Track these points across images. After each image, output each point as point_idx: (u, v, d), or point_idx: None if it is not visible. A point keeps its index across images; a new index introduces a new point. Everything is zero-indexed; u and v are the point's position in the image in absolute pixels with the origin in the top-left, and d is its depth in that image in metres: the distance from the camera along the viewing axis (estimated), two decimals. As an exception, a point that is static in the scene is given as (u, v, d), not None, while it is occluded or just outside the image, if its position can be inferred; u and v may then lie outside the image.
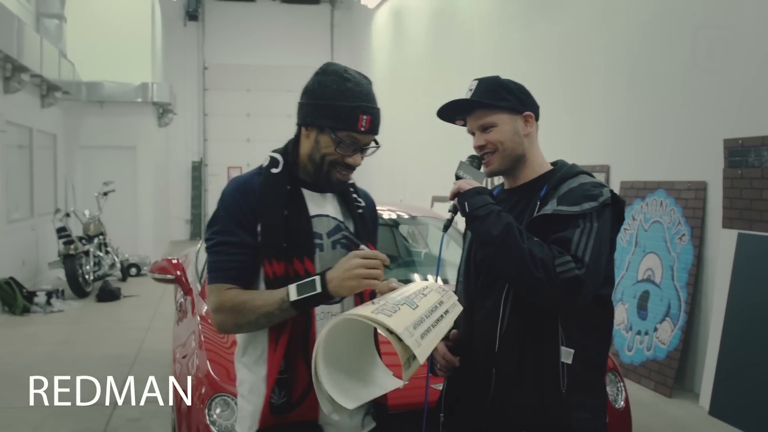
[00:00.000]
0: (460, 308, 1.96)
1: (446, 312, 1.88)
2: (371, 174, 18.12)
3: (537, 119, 2.24)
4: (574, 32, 8.22)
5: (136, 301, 10.50)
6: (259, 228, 2.02)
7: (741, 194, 5.52)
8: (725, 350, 5.44)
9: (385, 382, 1.74)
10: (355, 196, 2.20)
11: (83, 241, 11.15)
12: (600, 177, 7.41)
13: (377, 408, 2.16)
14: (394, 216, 5.78)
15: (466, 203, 2.06)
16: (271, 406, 1.95)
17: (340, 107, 1.99)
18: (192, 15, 19.87)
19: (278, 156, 2.11)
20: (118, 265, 12.03)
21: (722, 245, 5.67)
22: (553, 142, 8.11)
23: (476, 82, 2.21)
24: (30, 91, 11.03)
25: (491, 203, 2.04)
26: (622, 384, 3.67)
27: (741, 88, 5.63)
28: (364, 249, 1.95)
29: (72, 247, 10.39)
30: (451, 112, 2.25)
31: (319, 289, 1.85)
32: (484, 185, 2.15)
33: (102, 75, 13.80)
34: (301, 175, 2.11)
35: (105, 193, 12.09)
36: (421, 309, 1.77)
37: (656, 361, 6.15)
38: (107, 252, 11.87)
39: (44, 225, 11.64)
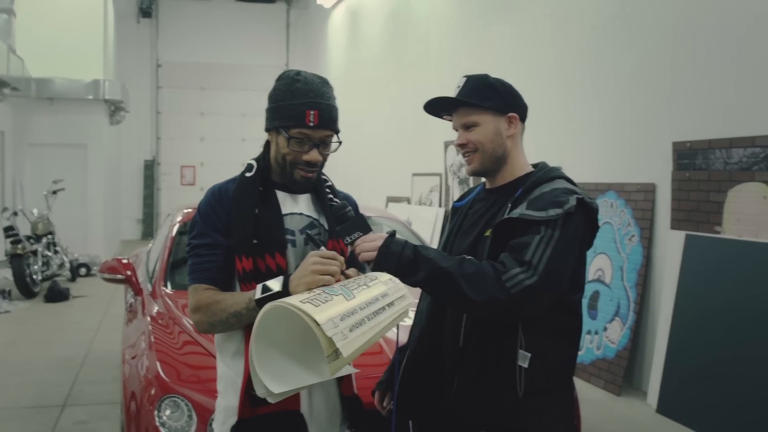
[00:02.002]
0: (409, 301, 1.91)
1: (390, 304, 1.83)
2: (328, 173, 18.09)
3: (523, 120, 2.25)
4: (528, 35, 8.30)
5: (85, 301, 10.33)
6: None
7: (689, 196, 5.64)
8: (672, 349, 5.55)
9: (321, 372, 1.71)
10: (331, 195, 2.24)
11: (31, 241, 10.91)
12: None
13: (350, 402, 2.22)
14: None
15: (385, 271, 1.97)
16: (252, 398, 1.95)
17: (289, 106, 2.07)
18: (146, 12, 19.61)
19: (253, 161, 2.21)
20: (68, 265, 11.81)
21: (670, 246, 5.78)
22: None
23: (465, 79, 2.21)
24: (-24, 87, 10.78)
25: (401, 252, 1.96)
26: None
27: (689, 91, 5.75)
28: (323, 249, 1.97)
29: (19, 246, 10.16)
30: (437, 107, 2.25)
31: (279, 288, 1.87)
32: (366, 223, 2.07)
33: (52, 71, 13.51)
34: (275, 177, 2.19)
35: (54, 192, 11.86)
36: (357, 300, 1.75)
37: (606, 360, 6.25)
38: (56, 251, 11.65)
39: (-9, 224, 11.37)
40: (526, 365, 2.02)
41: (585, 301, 6.63)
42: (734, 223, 5.24)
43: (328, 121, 2.09)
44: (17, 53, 12.23)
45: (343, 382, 2.18)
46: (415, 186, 11.50)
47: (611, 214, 6.49)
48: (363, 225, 2.05)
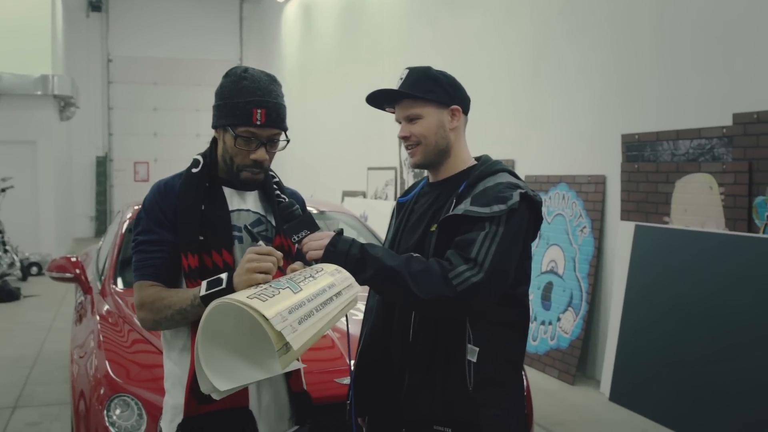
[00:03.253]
0: (356, 289, 1.91)
1: (337, 294, 1.83)
2: (284, 168, 17.95)
3: (466, 113, 2.24)
4: (480, 28, 8.35)
5: (37, 301, 10.14)
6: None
7: (638, 187, 5.73)
8: (624, 338, 5.64)
9: (271, 367, 1.71)
10: (278, 192, 2.22)
11: (-21, 240, 10.69)
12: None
13: (299, 397, 2.21)
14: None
15: (332, 263, 1.97)
16: (199, 396, 1.93)
17: (236, 104, 2.05)
18: (95, 6, 19.27)
19: (199, 157, 2.18)
20: (18, 264, 11.57)
21: (620, 237, 5.87)
22: (461, 136, 8.25)
23: (407, 71, 2.19)
24: None
25: (347, 251, 1.96)
26: (523, 372, 3.74)
27: (637, 84, 5.84)
28: (261, 245, 1.94)
29: (-33, 246, 9.95)
30: (380, 99, 2.24)
31: (224, 285, 1.86)
32: (314, 221, 2.06)
33: (-1, 66, 13.22)
34: (221, 174, 2.16)
35: (3, 190, 11.62)
36: (304, 293, 1.75)
37: (559, 350, 6.33)
38: (6, 251, 11.40)
39: (-63, 223, 11.11)
40: (474, 359, 2.04)
41: (538, 292, 6.71)
42: (682, 214, 5.34)
43: (276, 119, 2.07)
44: (-38, 48, 11.95)
45: (292, 377, 2.17)
46: (371, 180, 11.50)
47: (563, 206, 6.57)
48: (310, 223, 2.05)
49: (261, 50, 20.37)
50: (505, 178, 2.11)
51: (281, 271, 1.93)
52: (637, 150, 5.75)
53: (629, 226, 5.74)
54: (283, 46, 18.01)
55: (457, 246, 1.99)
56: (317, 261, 1.98)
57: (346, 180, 12.70)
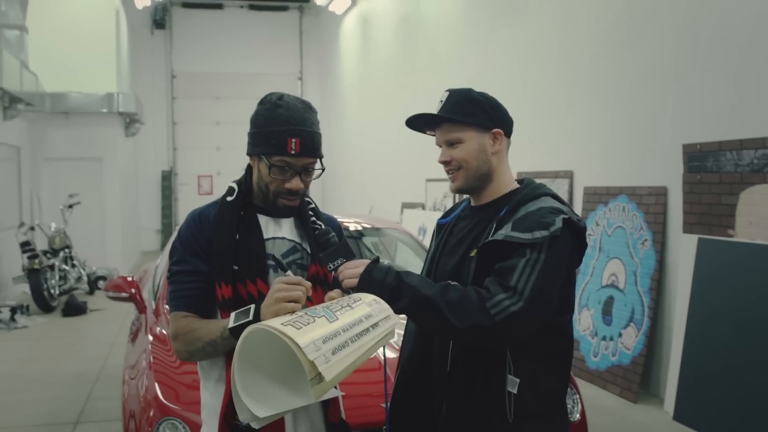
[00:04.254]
0: (394, 321, 1.86)
1: (374, 325, 1.78)
2: (342, 182, 18.08)
3: (509, 135, 2.17)
4: (536, 38, 8.23)
5: (102, 314, 10.36)
6: None
7: (700, 199, 5.54)
8: (688, 355, 5.45)
9: (306, 395, 1.66)
10: (314, 218, 2.19)
11: (48, 255, 10.99)
12: (564, 183, 7.42)
13: (337, 428, 2.16)
14: (359, 228, 5.82)
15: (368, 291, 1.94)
16: (235, 429, 1.92)
17: (270, 133, 2.03)
18: (159, 23, 19.72)
19: (234, 185, 2.16)
20: (85, 278, 11.87)
21: (683, 250, 5.68)
22: (518, 148, 8.12)
23: (447, 93, 2.14)
24: (-9, 104, 10.87)
25: (383, 279, 1.92)
26: (578, 396, 3.65)
27: (699, 93, 5.66)
28: (289, 274, 1.92)
29: (36, 261, 10.23)
30: (420, 122, 2.20)
31: (251, 317, 1.83)
32: (350, 249, 2.03)
33: (66, 86, 13.61)
34: (257, 201, 2.14)
35: (70, 206, 11.93)
36: (340, 322, 1.71)
37: (621, 367, 6.16)
38: (73, 265, 11.71)
39: (8, 239, 11.44)
40: (515, 391, 1.97)
41: (599, 307, 6.55)
42: (747, 226, 5.14)
43: (310, 148, 2.04)
44: (30, 69, 12.32)
45: (330, 407, 2.13)
46: (429, 191, 11.44)
47: (623, 218, 6.41)
48: (346, 251, 2.02)
49: (320, 63, 20.54)
50: (547, 202, 2.04)
51: (310, 301, 1.89)
52: (699, 160, 5.56)
53: (692, 239, 5.56)
54: (342, 59, 18.11)
55: (496, 273, 1.93)
56: (353, 289, 1.95)
57: (405, 192, 12.67)
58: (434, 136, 2.20)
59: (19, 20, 12.25)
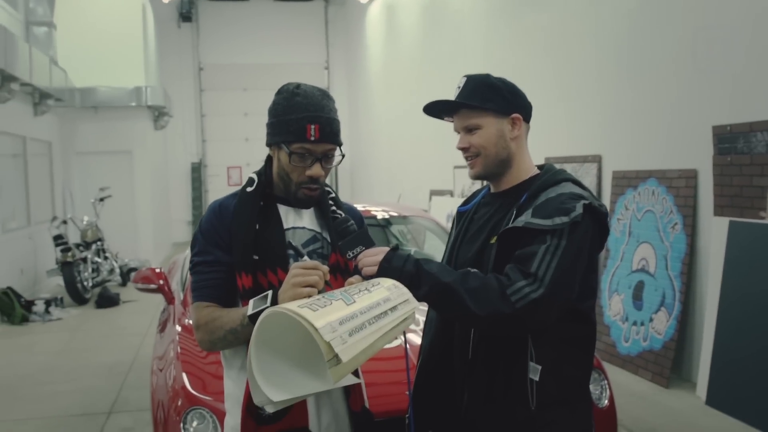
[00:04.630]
0: (414, 305, 1.85)
1: (393, 309, 1.77)
2: (371, 171, 18.09)
3: (528, 120, 2.15)
4: (562, 22, 8.14)
5: (135, 306, 10.49)
6: None
7: (731, 181, 5.45)
8: (720, 339, 5.38)
9: (324, 379, 1.66)
10: (334, 208, 2.20)
11: (81, 248, 11.13)
12: (592, 167, 7.34)
13: (362, 418, 2.16)
14: (386, 216, 5.82)
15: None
16: (257, 416, 1.93)
17: (289, 121, 2.03)
18: (186, 16, 19.82)
19: (254, 176, 2.17)
20: (118, 270, 12.02)
21: (714, 233, 5.60)
22: (545, 133, 8.08)
23: (465, 79, 2.12)
24: (22, 100, 11.01)
25: (404, 263, 1.92)
26: (606, 382, 3.61)
27: (729, 74, 5.56)
28: (306, 260, 1.93)
29: (69, 254, 10.37)
30: (438, 109, 2.18)
31: (269, 303, 1.84)
32: (369, 237, 2.03)
33: (95, 80, 13.75)
34: (277, 191, 2.15)
35: (101, 199, 12.08)
36: (357, 305, 1.70)
37: (653, 352, 6.09)
38: (106, 258, 11.86)
39: (42, 233, 11.64)
40: (537, 378, 1.95)
41: (629, 291, 6.49)
42: (779, 208, 5.05)
43: (329, 134, 2.04)
44: (59, 65, 12.47)
45: (351, 395, 2.13)
46: (457, 178, 11.40)
47: (653, 201, 6.33)
48: (365, 239, 2.02)
49: (346, 52, 20.53)
50: (568, 188, 2.00)
51: (329, 286, 1.89)
52: (730, 142, 5.47)
53: (723, 222, 5.47)
54: (368, 47, 18.08)
55: (516, 260, 1.91)
56: (372, 277, 1.94)
57: (434, 179, 12.64)
58: (452, 122, 2.18)
59: (47, 17, 12.39)
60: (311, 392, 1.72)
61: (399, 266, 1.91)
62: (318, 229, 2.18)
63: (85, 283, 10.78)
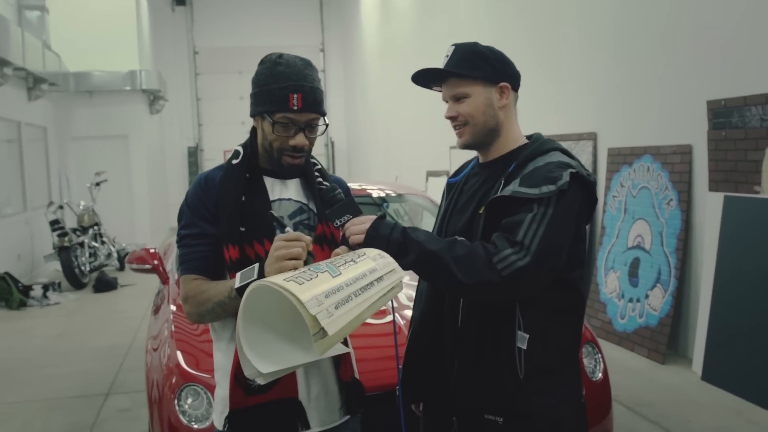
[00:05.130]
0: (399, 275, 1.84)
1: (379, 279, 1.76)
2: (368, 152, 18.06)
3: (516, 89, 2.13)
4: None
5: (132, 290, 10.50)
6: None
7: (726, 156, 5.45)
8: (716, 315, 5.39)
9: (311, 351, 1.65)
10: (320, 179, 2.18)
11: (77, 233, 11.13)
12: (587, 145, 7.33)
13: (351, 388, 2.17)
14: (382, 194, 5.81)
15: (374, 247, 1.93)
16: (246, 387, 1.94)
17: (271, 90, 2.02)
18: (180, 0, 19.73)
19: (239, 148, 2.16)
20: (115, 255, 12.02)
21: (709, 209, 5.60)
22: (539, 111, 8.06)
23: (453, 48, 2.11)
24: (15, 85, 10.97)
25: (389, 235, 1.91)
26: (600, 355, 3.62)
27: (721, 48, 5.53)
28: (288, 231, 1.92)
29: (66, 239, 10.37)
30: (426, 78, 2.16)
31: (255, 276, 1.84)
32: (356, 206, 2.02)
33: (89, 65, 13.72)
34: (262, 163, 2.14)
35: (97, 184, 12.06)
36: (343, 277, 1.69)
37: (648, 328, 6.11)
38: (103, 242, 11.86)
39: (38, 218, 11.64)
40: (524, 346, 1.95)
41: (625, 269, 6.50)
42: (774, 182, 5.05)
43: (312, 103, 2.03)
44: (53, 49, 12.41)
45: (342, 366, 2.13)
46: (454, 159, 11.38)
47: (648, 178, 6.32)
48: (353, 208, 2.01)
49: (342, 34, 20.45)
50: (556, 157, 1.99)
51: (314, 257, 1.88)
52: (724, 116, 5.46)
53: (718, 197, 5.47)
54: (363, 29, 18.01)
55: (503, 228, 1.90)
56: (360, 245, 1.94)
57: (430, 160, 12.62)
58: (440, 91, 2.17)
59: (39, 1, 12.32)
60: (300, 363, 1.72)
61: (386, 234, 1.91)
62: (304, 201, 2.17)
63: (83, 268, 10.79)
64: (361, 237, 1.93)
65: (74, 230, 11.13)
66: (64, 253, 10.36)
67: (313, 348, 1.62)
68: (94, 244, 11.44)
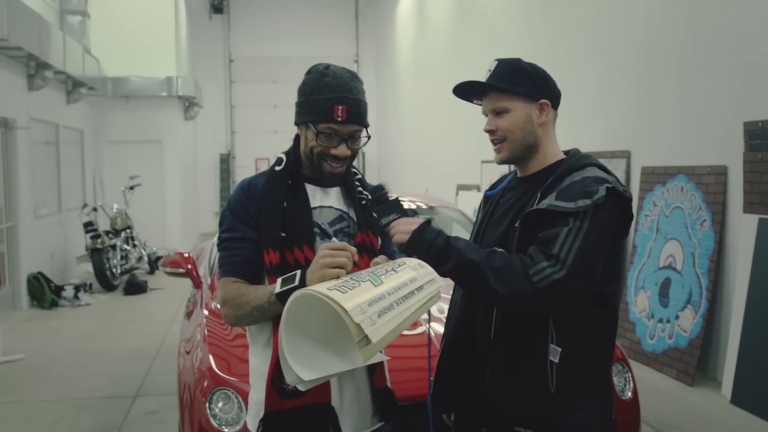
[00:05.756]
0: (439, 284, 1.88)
1: (419, 288, 1.80)
2: (398, 164, 18.09)
3: (556, 107, 2.15)
4: (593, 15, 8.09)
5: (162, 293, 10.61)
6: None
7: (762, 178, 5.40)
8: (747, 338, 5.33)
9: (353, 358, 1.69)
10: (360, 189, 2.23)
11: (110, 235, 11.28)
12: (621, 163, 7.30)
13: (384, 395, 2.20)
14: (413, 206, 5.84)
15: (415, 256, 1.97)
16: (281, 391, 1.97)
17: (317, 101, 2.06)
18: (217, 8, 19.97)
19: (282, 155, 2.20)
20: (146, 258, 12.15)
21: (743, 231, 5.55)
22: (575, 127, 8.04)
23: (496, 62, 2.14)
24: (55, 88, 11.16)
25: (434, 240, 1.95)
26: (630, 374, 3.60)
27: (760, 69, 5.49)
28: (334, 241, 1.96)
29: (99, 241, 10.52)
30: (467, 91, 2.19)
31: (297, 282, 1.87)
32: (403, 207, 2.07)
33: (127, 70, 13.92)
34: (305, 171, 2.18)
35: (131, 188, 12.22)
36: (385, 286, 1.72)
37: (678, 350, 6.05)
38: (134, 245, 12.00)
39: (72, 220, 11.81)
40: (556, 360, 1.96)
41: (656, 289, 6.45)
42: (810, 206, 4.99)
43: (357, 116, 2.07)
44: (92, 54, 12.62)
45: (375, 374, 2.15)
46: (485, 173, 11.38)
47: (681, 198, 6.28)
48: (399, 208, 2.06)
49: (376, 45, 20.54)
50: (592, 172, 2.01)
51: (357, 267, 1.91)
52: (761, 138, 5.41)
53: (752, 220, 5.42)
54: (398, 41, 18.08)
55: (539, 242, 1.92)
56: (402, 245, 1.99)
57: (461, 174, 12.62)
58: (480, 105, 2.20)
59: (82, 6, 12.55)
60: (340, 371, 1.75)
61: (430, 239, 1.95)
62: (344, 209, 2.20)
63: (114, 270, 10.93)
64: (406, 237, 1.97)
65: (107, 233, 11.28)
66: (96, 255, 10.51)
67: (356, 356, 1.65)
68: (125, 247, 11.59)
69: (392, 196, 2.11)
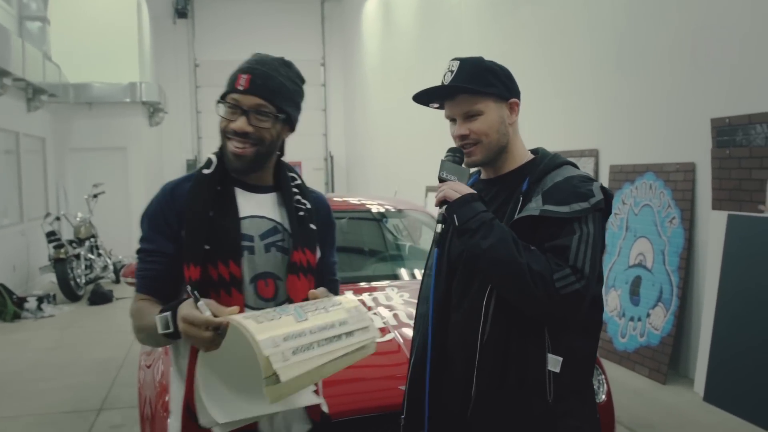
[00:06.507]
0: (373, 334, 1.71)
1: (348, 334, 1.64)
2: (367, 167, 18.02)
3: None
4: (560, 15, 8.07)
5: (128, 303, 10.15)
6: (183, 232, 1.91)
7: (730, 174, 5.39)
8: (719, 335, 5.32)
9: (264, 400, 1.53)
10: (299, 197, 2.04)
11: (74, 245, 11.06)
12: (589, 161, 7.28)
13: (319, 424, 2.02)
14: (381, 210, 5.74)
15: (455, 215, 1.88)
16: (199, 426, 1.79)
17: (231, 75, 1.95)
18: (181, 12, 19.70)
19: (213, 156, 2.00)
20: (111, 267, 11.93)
21: (712, 227, 5.54)
22: (543, 127, 8.01)
23: (457, 62, 2.03)
24: (15, 96, 10.91)
25: (482, 212, 1.86)
26: (603, 377, 3.55)
27: (727, 66, 5.49)
28: (201, 305, 1.66)
29: (62, 251, 10.29)
30: (429, 95, 2.09)
31: (171, 329, 1.69)
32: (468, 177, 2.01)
33: (90, 76, 13.67)
34: (233, 172, 1.97)
35: (95, 195, 11.99)
36: (308, 323, 1.58)
37: (650, 348, 6.03)
38: (99, 254, 11.78)
39: (35, 230, 11.56)
40: (557, 370, 1.87)
41: (626, 287, 6.44)
42: (778, 201, 4.99)
43: (260, 87, 1.90)
44: (53, 60, 12.37)
45: (308, 407, 1.96)
46: (453, 175, 11.33)
47: (650, 196, 6.26)
48: (465, 177, 1.98)
49: (343, 48, 20.45)
50: (572, 171, 1.95)
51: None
52: (728, 134, 5.40)
53: (722, 216, 5.41)
54: (364, 43, 18.01)
55: (551, 252, 1.83)
56: (445, 203, 1.92)
57: (429, 175, 12.52)
58: (438, 108, 2.10)
59: (41, 12, 12.31)
60: (258, 415, 1.63)
61: (479, 209, 1.87)
62: (279, 219, 2.00)
63: (78, 280, 10.71)
64: (456, 195, 1.89)
65: (70, 242, 11.06)
66: (59, 265, 10.28)
67: (263, 394, 1.51)
68: (90, 256, 11.37)
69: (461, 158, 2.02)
